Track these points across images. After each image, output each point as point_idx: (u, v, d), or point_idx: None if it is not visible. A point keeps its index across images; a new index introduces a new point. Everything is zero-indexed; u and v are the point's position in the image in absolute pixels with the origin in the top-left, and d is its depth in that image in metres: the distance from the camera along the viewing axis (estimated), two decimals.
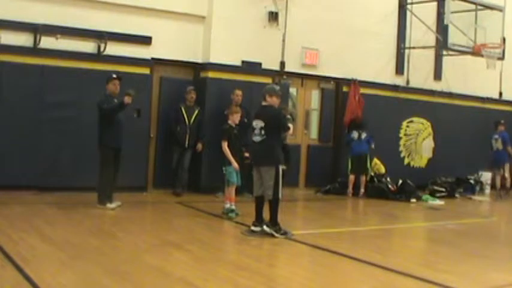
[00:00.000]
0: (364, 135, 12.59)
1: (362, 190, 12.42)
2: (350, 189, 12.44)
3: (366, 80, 13.41)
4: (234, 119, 9.28)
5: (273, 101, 7.84)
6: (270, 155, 7.64)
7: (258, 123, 7.74)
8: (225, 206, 9.11)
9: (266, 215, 7.76)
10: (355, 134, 12.66)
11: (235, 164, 8.92)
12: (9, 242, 6.42)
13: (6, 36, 9.72)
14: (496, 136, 14.40)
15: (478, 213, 12.35)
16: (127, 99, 8.80)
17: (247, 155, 9.02)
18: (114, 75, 9.29)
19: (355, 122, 12.86)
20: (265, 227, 7.63)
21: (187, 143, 10.96)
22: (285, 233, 7.58)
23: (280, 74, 12.41)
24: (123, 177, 9.39)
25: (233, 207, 9.05)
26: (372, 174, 12.87)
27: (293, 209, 11.03)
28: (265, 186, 7.62)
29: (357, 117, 12.92)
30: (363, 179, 12.46)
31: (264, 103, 7.91)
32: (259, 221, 7.76)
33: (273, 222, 7.62)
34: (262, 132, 7.66)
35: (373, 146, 12.65)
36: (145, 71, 11.01)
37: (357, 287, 5.91)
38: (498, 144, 14.35)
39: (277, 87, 8.26)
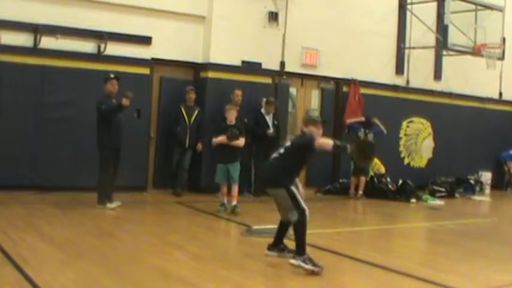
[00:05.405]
0: (370, 136, 12.31)
1: (360, 192, 12.35)
2: (352, 190, 12.42)
3: (366, 80, 13.40)
4: (229, 116, 9.35)
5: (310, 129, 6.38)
6: (274, 176, 6.26)
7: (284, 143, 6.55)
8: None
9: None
10: (361, 133, 12.46)
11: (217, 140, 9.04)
12: (9, 242, 6.42)
13: (6, 36, 9.73)
14: None
15: (478, 213, 12.36)
16: (125, 102, 8.76)
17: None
18: (112, 75, 9.28)
19: (364, 121, 12.70)
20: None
21: (187, 143, 10.96)
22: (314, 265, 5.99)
23: (280, 74, 12.41)
24: (123, 177, 9.39)
25: (225, 201, 9.28)
26: (372, 174, 12.86)
27: None
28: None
29: (365, 116, 12.75)
30: (362, 179, 12.41)
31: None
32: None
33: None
34: (281, 150, 6.35)
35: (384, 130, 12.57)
36: (145, 71, 11.01)
37: (357, 287, 5.91)
38: None
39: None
